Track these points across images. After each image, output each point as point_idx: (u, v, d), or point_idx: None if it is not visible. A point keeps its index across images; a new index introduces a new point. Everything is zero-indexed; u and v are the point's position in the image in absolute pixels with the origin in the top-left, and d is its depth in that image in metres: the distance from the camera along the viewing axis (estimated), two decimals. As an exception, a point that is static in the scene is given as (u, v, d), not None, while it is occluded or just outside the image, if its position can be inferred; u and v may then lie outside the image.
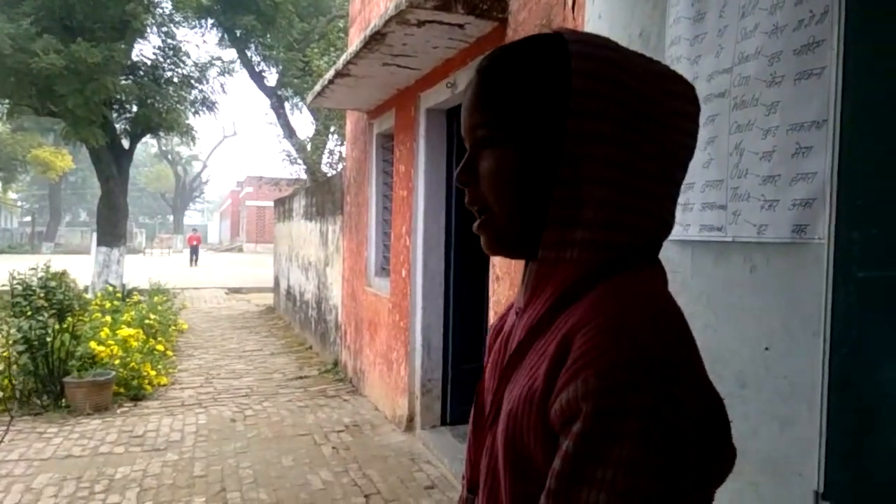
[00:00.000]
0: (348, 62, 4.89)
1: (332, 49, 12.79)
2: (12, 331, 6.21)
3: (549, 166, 0.69)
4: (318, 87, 5.99)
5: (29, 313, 6.76)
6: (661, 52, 2.25)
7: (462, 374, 5.04)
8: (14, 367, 5.96)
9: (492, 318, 3.91)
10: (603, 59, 0.69)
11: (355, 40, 5.35)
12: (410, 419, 5.17)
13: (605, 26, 2.71)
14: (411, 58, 4.66)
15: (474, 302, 4.80)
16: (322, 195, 8.99)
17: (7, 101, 12.43)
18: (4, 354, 6.00)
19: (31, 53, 10.61)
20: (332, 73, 5.37)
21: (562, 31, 0.72)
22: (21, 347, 5.95)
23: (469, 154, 0.76)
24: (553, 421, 0.61)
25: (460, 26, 3.98)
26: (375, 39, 4.29)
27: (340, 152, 13.09)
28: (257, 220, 42.36)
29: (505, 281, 3.70)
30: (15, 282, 7.63)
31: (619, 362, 0.58)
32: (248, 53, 15.55)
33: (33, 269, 7.98)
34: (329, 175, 12.02)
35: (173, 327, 9.91)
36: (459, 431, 4.87)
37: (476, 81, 0.74)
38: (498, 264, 3.81)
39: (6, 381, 5.85)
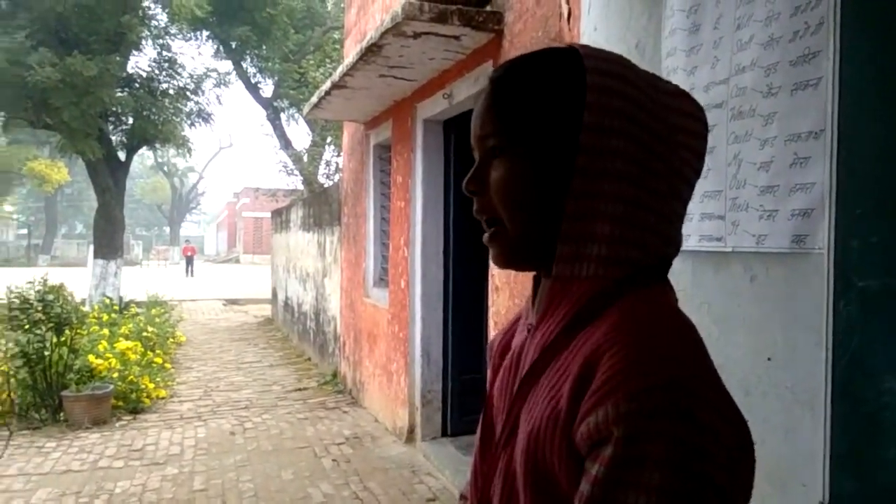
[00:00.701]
0: (345, 74, 4.90)
1: (327, 60, 12.84)
2: (10, 345, 6.18)
3: (560, 178, 0.70)
4: (314, 99, 6.00)
5: (27, 327, 6.73)
6: (657, 63, 2.26)
7: (462, 384, 5.03)
8: (12, 381, 5.94)
9: (492, 328, 3.91)
10: (617, 76, 0.70)
11: (351, 52, 5.36)
12: (411, 430, 5.16)
13: (601, 38, 2.73)
14: (407, 69, 4.68)
15: (473, 312, 4.80)
16: (319, 206, 9.00)
17: (3, 113, 12.44)
18: (3, 369, 5.98)
19: (26, 66, 10.63)
20: (328, 84, 5.38)
21: (576, 45, 0.73)
22: (19, 361, 5.93)
23: (479, 162, 0.76)
24: (579, 444, 0.61)
25: (456, 38, 4.01)
26: (372, 51, 4.30)
27: (337, 163, 13.11)
28: (254, 231, 42.33)
29: (504, 291, 3.70)
30: (12, 295, 7.59)
31: (648, 386, 0.58)
32: (244, 65, 15.60)
33: (31, 282, 7.95)
34: (326, 186, 12.03)
35: (171, 339, 9.88)
36: (461, 443, 4.85)
37: (489, 91, 0.75)
38: (497, 275, 3.81)
39: (5, 396, 5.83)
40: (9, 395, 5.82)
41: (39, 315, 7.13)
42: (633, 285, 0.69)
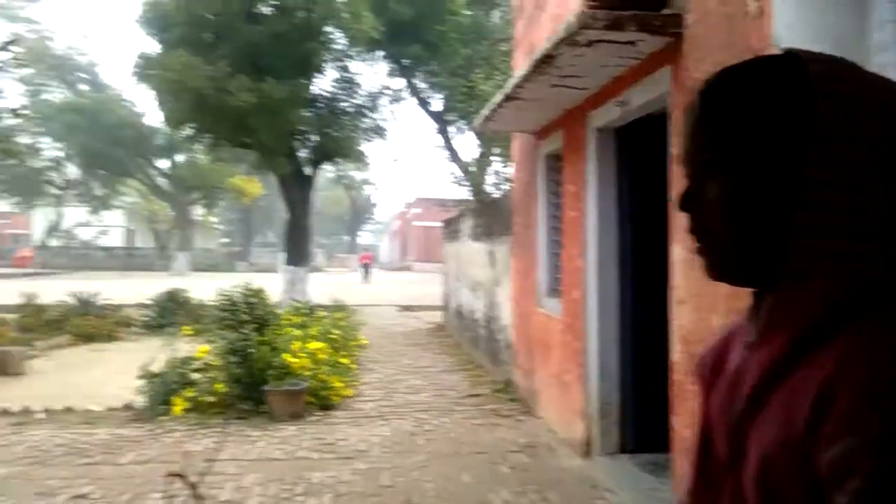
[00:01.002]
0: (517, 85, 4.98)
1: (495, 73, 13.06)
2: (222, 342, 6.96)
3: (782, 191, 0.68)
4: (485, 111, 6.16)
5: (233, 326, 7.53)
6: (864, 60, 2.10)
7: (641, 399, 4.86)
8: (224, 375, 6.67)
9: (675, 342, 3.77)
10: (848, 81, 0.67)
11: (521, 63, 5.45)
12: (587, 444, 5.08)
13: (795, 36, 2.57)
14: (580, 78, 4.66)
15: (653, 325, 4.62)
16: (489, 216, 9.19)
17: (209, 135, 14.03)
18: (218, 363, 6.74)
19: (227, 92, 11.89)
20: (500, 96, 5.50)
21: (794, 50, 0.71)
22: (232, 358, 6.65)
23: (692, 180, 0.75)
24: (821, 471, 0.59)
25: (631, 44, 3.94)
26: (544, 62, 4.34)
27: (505, 174, 13.29)
28: (424, 239, 43.91)
29: (688, 304, 3.56)
30: (222, 298, 8.55)
31: None
32: (415, 81, 16.30)
33: (236, 286, 8.88)
34: (494, 196, 12.23)
35: (354, 342, 10.51)
36: (640, 460, 4.72)
37: (699, 105, 0.74)
38: (680, 287, 3.67)
39: (220, 388, 6.55)
40: (224, 389, 6.53)
41: (245, 316, 7.96)
42: (870, 303, 0.65)
